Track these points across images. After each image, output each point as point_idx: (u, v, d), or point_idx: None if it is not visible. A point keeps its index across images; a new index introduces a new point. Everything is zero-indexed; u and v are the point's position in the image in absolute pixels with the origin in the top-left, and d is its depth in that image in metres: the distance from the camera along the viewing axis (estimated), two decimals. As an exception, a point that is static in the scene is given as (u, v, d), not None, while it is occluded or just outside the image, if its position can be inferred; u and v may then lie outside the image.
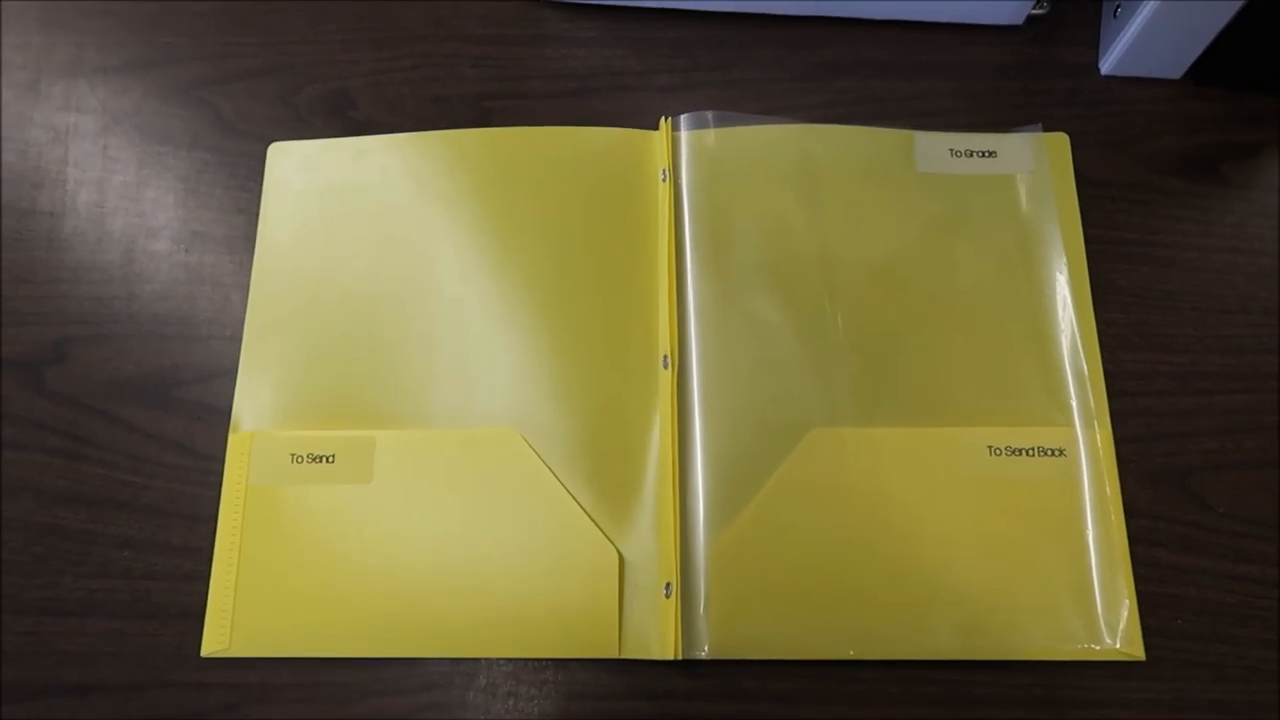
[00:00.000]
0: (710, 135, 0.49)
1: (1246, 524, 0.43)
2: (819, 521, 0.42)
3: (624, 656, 0.41)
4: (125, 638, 0.42)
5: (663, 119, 0.49)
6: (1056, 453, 0.43)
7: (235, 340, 0.47)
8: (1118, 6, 0.50)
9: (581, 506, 0.43)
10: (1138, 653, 0.41)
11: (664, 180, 0.48)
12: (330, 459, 0.44)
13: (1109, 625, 0.41)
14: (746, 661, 0.41)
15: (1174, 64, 0.50)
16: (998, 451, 0.43)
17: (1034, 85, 0.51)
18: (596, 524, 0.42)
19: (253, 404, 0.45)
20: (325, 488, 0.44)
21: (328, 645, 0.42)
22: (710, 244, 0.47)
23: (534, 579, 0.42)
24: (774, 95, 0.52)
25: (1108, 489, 0.43)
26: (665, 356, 0.45)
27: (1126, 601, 0.41)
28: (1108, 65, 0.51)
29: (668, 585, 0.41)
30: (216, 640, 0.42)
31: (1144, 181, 0.49)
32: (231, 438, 0.45)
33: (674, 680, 0.41)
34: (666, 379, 0.44)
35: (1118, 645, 0.40)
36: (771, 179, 0.48)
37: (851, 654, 0.40)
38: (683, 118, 0.49)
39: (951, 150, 0.49)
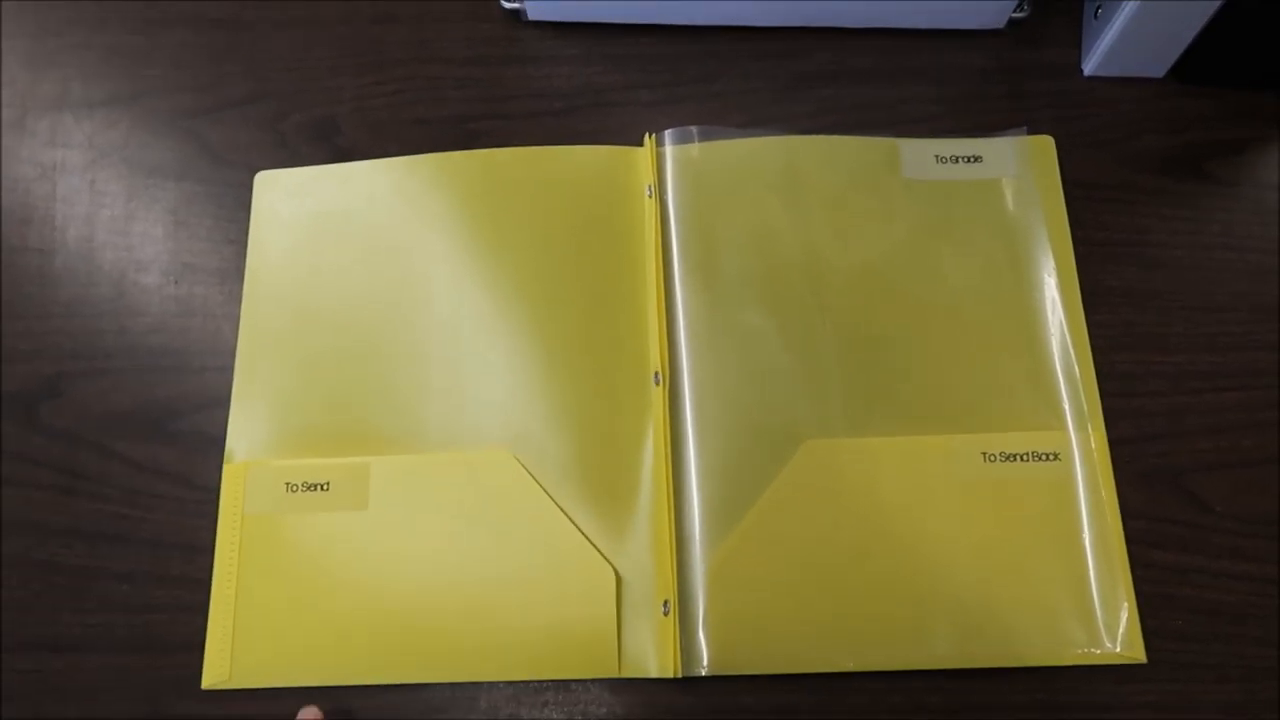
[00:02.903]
0: (695, 149, 0.49)
1: (1243, 523, 0.43)
2: (815, 534, 0.42)
3: (624, 676, 0.41)
4: (126, 672, 0.42)
5: (647, 135, 0.49)
6: (1051, 457, 0.43)
7: (228, 371, 0.47)
8: (1099, 7, 0.50)
9: (577, 526, 0.43)
10: (1138, 655, 0.40)
11: (650, 196, 0.48)
12: (325, 487, 0.44)
13: (1108, 628, 0.41)
14: (746, 676, 0.41)
15: (1157, 63, 0.50)
16: (992, 458, 0.43)
17: (1017, 88, 0.51)
18: (593, 543, 0.42)
19: (247, 434, 0.45)
20: (321, 516, 0.44)
21: (328, 673, 0.42)
22: (698, 258, 0.47)
23: (532, 600, 0.42)
24: (758, 106, 0.52)
25: (1103, 491, 0.43)
26: (656, 373, 0.45)
27: (1125, 604, 0.41)
28: (1090, 66, 0.51)
29: (665, 603, 0.41)
30: (217, 672, 0.42)
31: (1130, 181, 0.49)
32: (226, 468, 0.45)
33: (674, 698, 0.41)
34: (658, 395, 0.44)
35: (1118, 648, 0.40)
36: (757, 191, 0.48)
37: (851, 665, 0.40)
38: (667, 133, 0.49)
39: (937, 156, 0.49)
